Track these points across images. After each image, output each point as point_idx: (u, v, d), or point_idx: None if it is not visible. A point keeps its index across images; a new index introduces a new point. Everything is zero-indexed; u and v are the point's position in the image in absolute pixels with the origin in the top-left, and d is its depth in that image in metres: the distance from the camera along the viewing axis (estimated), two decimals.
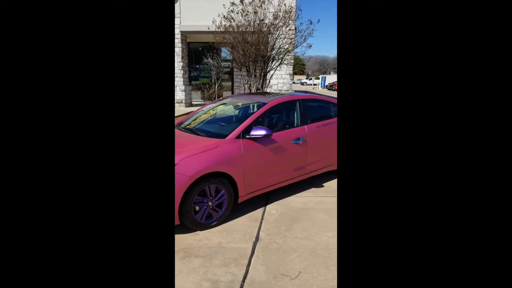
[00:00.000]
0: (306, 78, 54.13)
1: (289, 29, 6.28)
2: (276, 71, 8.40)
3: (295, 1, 8.02)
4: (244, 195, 2.72)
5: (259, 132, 2.64)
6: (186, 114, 6.56)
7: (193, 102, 10.70)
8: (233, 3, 6.05)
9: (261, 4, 5.80)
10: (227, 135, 2.65)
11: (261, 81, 6.25)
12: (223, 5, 6.40)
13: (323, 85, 36.51)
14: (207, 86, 9.01)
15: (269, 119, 3.10)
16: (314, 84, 41.84)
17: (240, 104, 3.64)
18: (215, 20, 6.46)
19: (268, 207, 2.94)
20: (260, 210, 2.86)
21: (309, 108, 3.40)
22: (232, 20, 6.00)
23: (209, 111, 3.59)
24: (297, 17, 6.52)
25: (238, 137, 2.66)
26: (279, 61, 6.44)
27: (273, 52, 6.19)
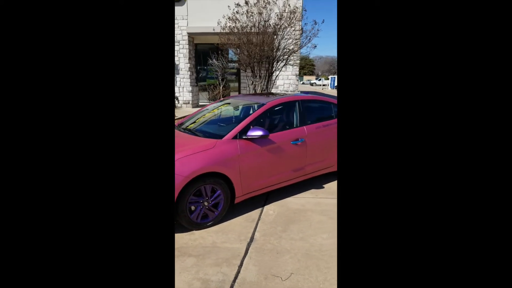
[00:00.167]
0: (316, 79, 53.78)
1: (295, 30, 6.27)
2: (282, 72, 8.40)
3: (301, 1, 7.99)
4: (241, 196, 2.73)
5: (256, 133, 2.64)
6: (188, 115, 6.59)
7: (200, 103, 10.79)
8: (238, 4, 6.07)
9: (265, 5, 5.80)
10: (224, 136, 2.67)
11: (265, 82, 6.25)
12: (228, 6, 6.44)
13: (332, 86, 36.11)
14: (211, 87, 9.06)
15: (267, 119, 3.10)
16: (324, 85, 41.44)
17: (240, 105, 3.65)
18: (220, 21, 6.50)
19: (266, 207, 2.94)
20: (258, 211, 2.86)
21: (309, 109, 3.39)
22: (236, 21, 6.03)
23: (209, 112, 3.61)
24: (302, 17, 6.48)
25: (235, 137, 2.67)
26: (284, 62, 6.43)
27: (278, 53, 6.19)
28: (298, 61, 8.37)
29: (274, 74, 6.42)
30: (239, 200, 2.75)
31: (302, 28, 6.86)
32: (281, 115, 3.26)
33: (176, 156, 2.31)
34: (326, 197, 3.17)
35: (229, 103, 3.73)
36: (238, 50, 6.40)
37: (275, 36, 6.05)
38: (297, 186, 3.41)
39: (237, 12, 6.04)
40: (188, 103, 10.12)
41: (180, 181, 2.25)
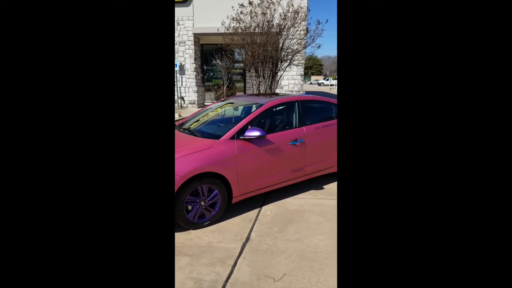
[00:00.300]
0: (324, 79, 53.44)
1: (300, 30, 6.25)
2: (288, 72, 8.38)
3: (305, 1, 7.95)
4: (238, 196, 2.73)
5: (253, 133, 2.65)
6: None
7: (206, 103, 10.85)
8: (241, 5, 6.09)
9: (269, 5, 5.80)
10: (221, 136, 2.68)
11: (269, 82, 6.25)
12: (232, 7, 6.46)
13: None
14: (215, 87, 9.11)
15: (266, 120, 3.10)
16: (331, 85, 41.12)
17: (240, 105, 3.66)
18: (224, 22, 6.53)
19: (264, 208, 2.94)
20: (256, 211, 2.87)
21: (309, 110, 3.37)
22: (240, 22, 6.05)
23: (210, 112, 3.63)
24: (306, 17, 6.45)
25: (232, 138, 2.68)
26: (288, 62, 6.41)
27: (282, 53, 6.18)
28: (303, 61, 8.33)
29: (278, 74, 6.41)
30: (237, 200, 2.75)
31: (307, 28, 6.83)
32: (280, 116, 3.26)
33: None
34: (325, 198, 3.15)
35: (230, 104, 3.75)
36: (242, 50, 6.42)
37: (279, 36, 6.05)
38: (296, 187, 3.40)
39: (241, 13, 6.05)
40: (194, 103, 10.19)
41: (176, 181, 2.27)
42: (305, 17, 6.47)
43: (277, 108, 3.19)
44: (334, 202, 3.05)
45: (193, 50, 9.83)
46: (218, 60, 7.48)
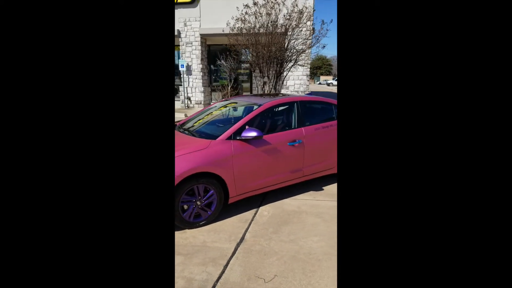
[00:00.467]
0: (333, 79, 52.98)
1: (306, 30, 6.21)
2: (293, 72, 8.34)
3: (310, 2, 7.90)
4: (235, 196, 2.74)
5: (250, 134, 2.65)
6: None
7: (212, 103, 10.91)
8: (246, 5, 6.10)
9: (273, 5, 5.79)
10: (218, 136, 2.69)
11: (274, 82, 6.24)
12: (236, 7, 6.48)
13: None
14: (220, 87, 9.16)
15: (264, 120, 3.09)
16: None
17: (241, 105, 3.67)
18: (229, 23, 6.55)
19: (261, 208, 2.93)
20: (253, 211, 2.87)
21: (309, 110, 3.35)
22: (246, 22, 6.06)
23: (211, 112, 3.65)
24: (311, 17, 6.42)
25: (229, 138, 2.69)
26: (293, 62, 6.39)
27: (287, 53, 6.16)
28: (309, 61, 8.28)
29: (283, 74, 6.39)
30: (233, 201, 2.76)
31: (313, 28, 6.79)
32: (278, 116, 3.25)
33: None
34: (324, 199, 3.13)
35: (231, 104, 3.76)
36: (247, 51, 6.43)
37: (285, 37, 6.03)
38: (295, 188, 3.39)
39: (246, 13, 6.07)
40: (200, 103, 10.26)
41: None
42: (311, 17, 6.44)
43: (276, 109, 3.18)
44: (332, 204, 3.03)
45: (200, 51, 9.89)
46: (222, 61, 7.51)
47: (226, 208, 2.87)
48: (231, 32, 6.43)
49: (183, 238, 2.40)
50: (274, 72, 6.17)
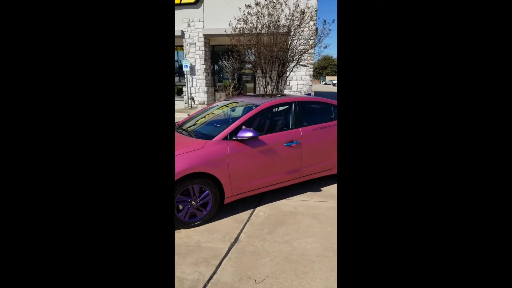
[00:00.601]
0: None
1: (308, 30, 6.19)
2: (297, 73, 8.32)
3: (313, 2, 7.86)
4: (231, 196, 2.74)
5: (246, 134, 2.65)
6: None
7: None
8: (248, 6, 6.10)
9: (274, 6, 5.78)
10: (214, 137, 2.70)
11: (276, 82, 6.23)
12: (239, 8, 6.49)
13: None
14: (221, 87, 9.19)
15: (262, 121, 3.09)
16: None
17: (240, 105, 3.66)
18: (231, 23, 6.57)
19: (258, 209, 2.93)
20: (249, 212, 2.86)
21: (306, 111, 3.33)
22: (248, 22, 6.06)
23: (209, 112, 3.66)
24: (312, 17, 6.39)
25: (225, 138, 2.69)
26: (295, 62, 6.37)
27: (289, 53, 6.14)
28: (312, 62, 8.25)
29: (285, 74, 6.38)
30: (229, 201, 2.76)
31: (316, 28, 6.76)
32: (276, 117, 3.24)
33: None
34: (321, 201, 3.11)
35: (230, 104, 3.76)
36: (249, 51, 6.43)
37: (288, 37, 6.02)
38: (293, 188, 3.37)
39: (248, 13, 6.07)
40: (204, 103, 10.30)
41: None
42: (313, 17, 6.41)
43: (274, 109, 3.17)
44: (329, 205, 3.01)
45: (203, 51, 9.94)
46: (224, 61, 7.53)
47: (222, 208, 2.87)
48: (233, 32, 6.44)
49: (177, 238, 2.41)
50: (276, 72, 6.16)
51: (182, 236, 2.43)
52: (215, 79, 11.12)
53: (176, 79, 11.82)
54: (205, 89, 10.26)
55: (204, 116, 3.59)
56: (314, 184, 3.52)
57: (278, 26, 5.81)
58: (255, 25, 5.92)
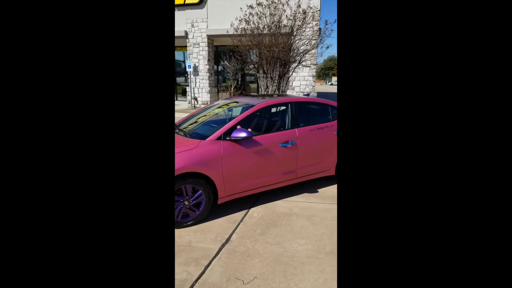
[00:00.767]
0: None
1: (310, 30, 6.16)
2: (299, 73, 8.29)
3: (316, 2, 7.83)
4: (224, 197, 2.74)
5: (240, 134, 2.64)
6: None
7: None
8: (250, 6, 6.10)
9: (276, 6, 5.77)
10: (208, 137, 2.70)
11: (277, 83, 6.22)
12: (240, 8, 6.50)
13: None
14: (223, 87, 9.21)
15: (257, 121, 3.08)
16: None
17: (238, 106, 3.66)
18: (233, 24, 6.58)
19: (252, 209, 2.92)
20: (243, 212, 2.86)
21: (303, 111, 3.31)
22: (250, 23, 6.06)
23: (208, 112, 3.67)
24: (315, 16, 6.36)
25: (219, 138, 2.69)
26: (297, 62, 6.35)
27: (290, 53, 6.13)
28: (315, 62, 8.21)
29: (287, 75, 6.36)
30: (223, 201, 2.76)
31: (320, 28, 6.73)
32: (271, 117, 3.23)
33: None
34: (317, 202, 3.08)
35: (228, 104, 3.76)
36: (250, 51, 6.43)
37: (291, 37, 6.00)
38: (290, 189, 3.36)
39: (250, 14, 6.07)
40: (207, 103, 10.33)
41: None
42: (315, 17, 6.38)
43: (269, 110, 3.16)
44: (324, 206, 2.98)
45: (207, 52, 9.98)
46: (226, 62, 7.55)
47: (216, 208, 2.87)
48: (235, 33, 6.45)
49: None
50: (277, 73, 6.15)
51: None
52: (218, 79, 11.15)
53: (182, 79, 11.88)
54: (208, 89, 10.29)
55: (202, 116, 3.59)
56: (311, 186, 3.49)
57: (280, 26, 5.80)
58: (256, 26, 5.92)
